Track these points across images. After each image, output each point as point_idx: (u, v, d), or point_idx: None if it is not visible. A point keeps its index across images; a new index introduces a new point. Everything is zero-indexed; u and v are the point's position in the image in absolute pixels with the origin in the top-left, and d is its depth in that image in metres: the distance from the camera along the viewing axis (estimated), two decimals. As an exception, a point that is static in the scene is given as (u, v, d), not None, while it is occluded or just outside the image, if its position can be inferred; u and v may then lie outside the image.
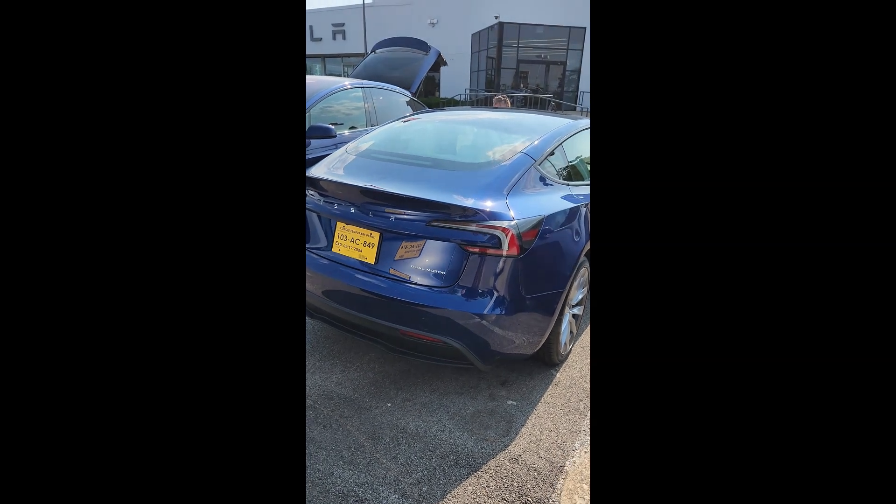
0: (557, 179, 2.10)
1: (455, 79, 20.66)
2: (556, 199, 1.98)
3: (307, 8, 23.92)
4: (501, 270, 1.72)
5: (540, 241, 1.80)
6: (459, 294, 1.73)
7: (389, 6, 21.41)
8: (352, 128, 4.13)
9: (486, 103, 16.33)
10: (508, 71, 18.42)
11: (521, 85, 18.18)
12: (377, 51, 6.12)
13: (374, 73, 5.70)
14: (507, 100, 5.21)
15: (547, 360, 2.20)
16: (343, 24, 22.99)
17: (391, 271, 1.81)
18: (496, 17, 17.35)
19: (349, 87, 4.26)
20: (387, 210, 1.80)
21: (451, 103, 17.78)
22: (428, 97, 20.57)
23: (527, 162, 1.99)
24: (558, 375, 2.24)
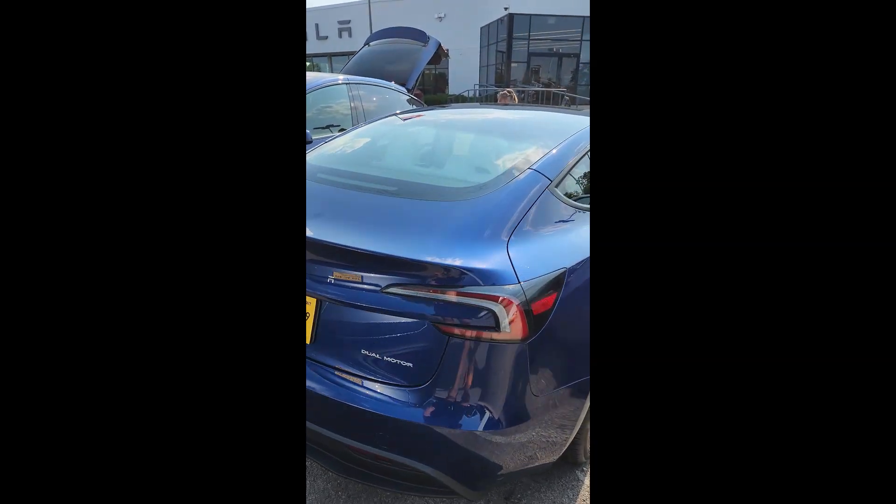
0: (584, 205, 1.46)
1: (464, 74, 19.98)
2: (584, 238, 1.33)
3: (313, 6, 23.43)
4: (501, 364, 1.09)
5: (561, 312, 1.15)
6: (434, 401, 1.10)
7: (395, 1, 20.80)
8: (341, 130, 3.52)
9: (495, 100, 15.62)
10: (519, 65, 17.67)
11: (533, 79, 17.42)
12: (371, 43, 5.50)
13: (367, 68, 5.08)
14: (514, 95, 4.55)
15: (571, 458, 1.56)
16: (349, 22, 22.44)
17: (333, 361, 1.19)
18: (506, 9, 16.60)
19: (330, 83, 3.65)
20: (326, 266, 1.17)
21: (460, 100, 17.10)
22: (437, 94, 19.94)
23: (538, 183, 1.34)
24: (587, 480, 1.60)
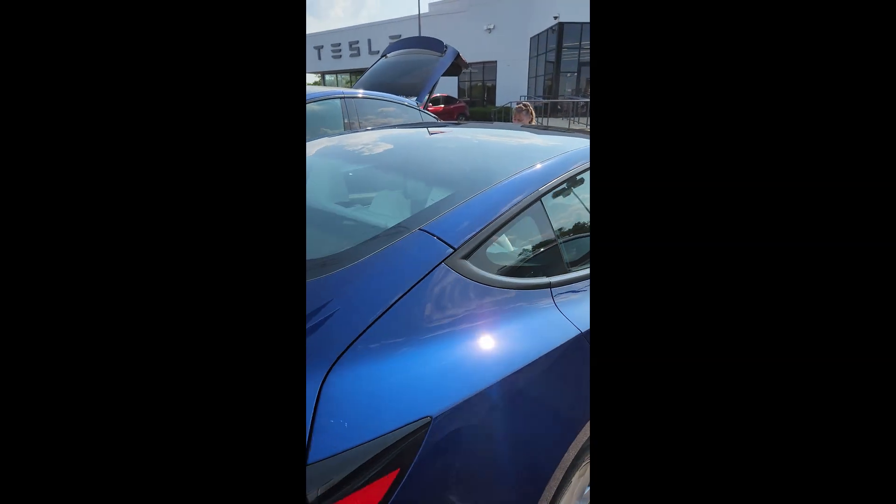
0: (523, 281, 0.94)
1: (513, 86, 19.47)
2: (508, 342, 0.82)
3: (363, 22, 23.95)
4: None
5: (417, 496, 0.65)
6: None
7: (445, 14, 20.73)
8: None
9: (545, 111, 14.94)
10: (570, 75, 16.92)
11: (586, 89, 16.59)
12: (388, 55, 5.16)
13: (379, 82, 4.73)
14: (531, 109, 4.01)
15: None
16: (399, 36, 22.68)
17: None
18: (555, 18, 15.96)
19: (319, 97, 3.30)
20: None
21: (502, 112, 16.55)
22: (485, 106, 19.56)
23: (428, 252, 0.85)
24: None
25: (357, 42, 25.15)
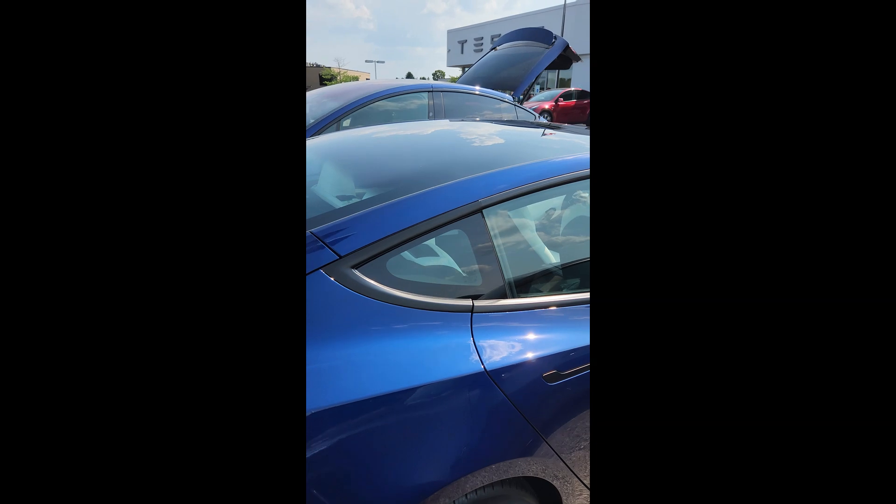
0: (424, 299, 0.86)
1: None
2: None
3: (508, 15, 23.86)
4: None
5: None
6: None
7: (587, 4, 19.63)
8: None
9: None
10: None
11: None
12: (497, 48, 5.06)
13: (481, 76, 4.67)
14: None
15: None
16: (543, 28, 22.11)
17: None
18: None
19: (400, 91, 3.37)
20: None
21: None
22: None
23: (310, 263, 0.80)
24: None
25: (498, 35, 25.23)
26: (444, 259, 0.96)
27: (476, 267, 0.94)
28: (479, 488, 0.88)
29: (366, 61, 76.17)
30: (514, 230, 1.02)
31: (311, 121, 3.01)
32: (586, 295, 1.04)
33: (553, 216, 1.24)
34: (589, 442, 1.00)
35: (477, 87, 3.83)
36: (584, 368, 0.94)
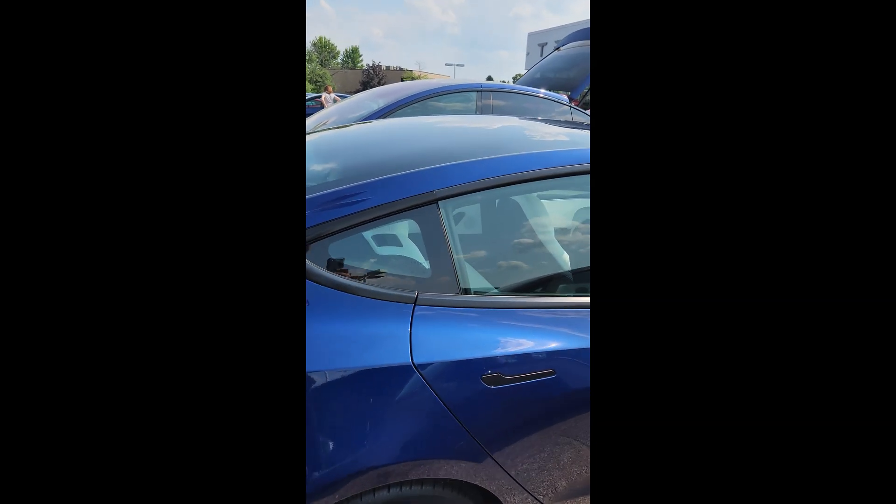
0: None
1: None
2: None
3: (584, 19, 23.17)
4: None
5: None
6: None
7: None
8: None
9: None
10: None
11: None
12: (562, 48, 4.91)
13: (541, 76, 4.57)
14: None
15: None
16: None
17: None
18: None
19: (446, 90, 3.38)
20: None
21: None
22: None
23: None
24: None
25: (581, 38, 24.49)
26: (395, 249, 0.94)
27: (426, 258, 0.92)
28: (404, 483, 0.86)
29: (446, 64, 77.60)
30: (472, 224, 0.98)
31: (353, 117, 3.11)
32: (546, 299, 0.98)
33: (517, 213, 1.18)
34: (543, 455, 0.94)
35: (530, 88, 3.74)
36: (533, 376, 0.89)
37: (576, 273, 1.08)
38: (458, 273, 0.92)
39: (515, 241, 1.11)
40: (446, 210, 0.93)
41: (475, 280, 0.95)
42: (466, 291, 0.92)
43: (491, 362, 0.86)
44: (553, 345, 0.91)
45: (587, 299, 0.97)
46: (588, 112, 3.94)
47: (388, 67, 38.10)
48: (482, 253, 1.00)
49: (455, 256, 0.92)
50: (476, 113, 3.50)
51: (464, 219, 0.97)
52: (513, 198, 1.10)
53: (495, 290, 0.97)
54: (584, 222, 1.27)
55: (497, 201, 1.06)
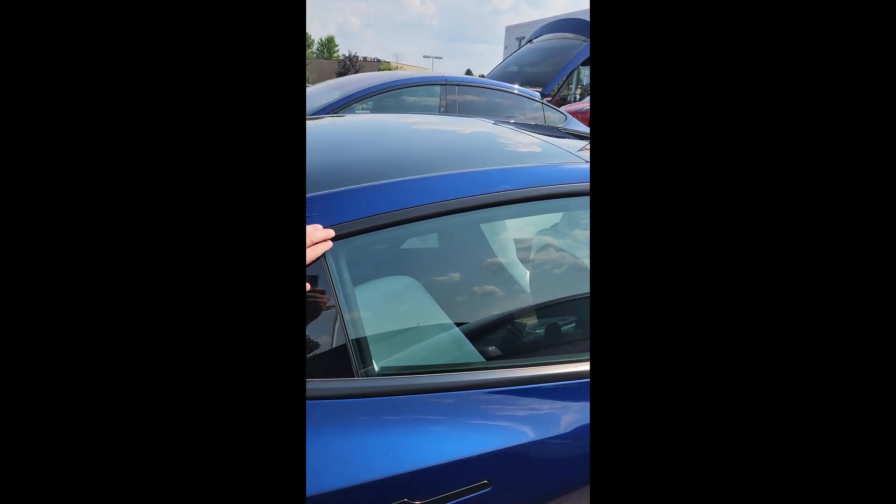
0: None
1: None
2: None
3: (565, 13, 23.13)
4: None
5: None
6: None
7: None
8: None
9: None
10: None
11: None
12: (534, 40, 4.67)
13: (511, 70, 4.32)
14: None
15: None
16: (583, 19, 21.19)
17: None
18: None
19: (409, 83, 3.09)
20: None
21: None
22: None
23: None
24: None
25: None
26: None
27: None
28: None
29: (423, 57, 76.82)
30: (372, 273, 0.71)
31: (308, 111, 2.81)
32: (479, 375, 0.71)
33: (443, 257, 0.91)
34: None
35: (500, 83, 3.49)
36: (458, 494, 0.63)
37: (529, 332, 0.81)
38: (350, 345, 0.65)
39: (441, 293, 0.82)
40: (335, 256, 0.65)
41: (378, 355, 0.68)
42: (362, 373, 0.65)
43: (399, 482, 0.60)
44: (489, 444, 0.65)
45: (546, 370, 0.72)
46: (560, 109, 3.72)
47: (365, 58, 37.43)
48: (387, 315, 0.73)
49: (346, 319, 0.65)
50: (440, 108, 3.23)
51: (356, 265, 0.69)
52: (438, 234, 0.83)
53: (408, 369, 0.70)
54: (541, 249, 1.02)
55: (416, 238, 0.79)
